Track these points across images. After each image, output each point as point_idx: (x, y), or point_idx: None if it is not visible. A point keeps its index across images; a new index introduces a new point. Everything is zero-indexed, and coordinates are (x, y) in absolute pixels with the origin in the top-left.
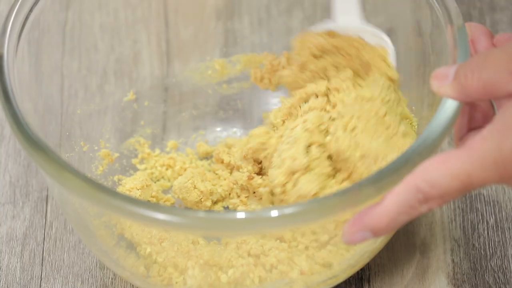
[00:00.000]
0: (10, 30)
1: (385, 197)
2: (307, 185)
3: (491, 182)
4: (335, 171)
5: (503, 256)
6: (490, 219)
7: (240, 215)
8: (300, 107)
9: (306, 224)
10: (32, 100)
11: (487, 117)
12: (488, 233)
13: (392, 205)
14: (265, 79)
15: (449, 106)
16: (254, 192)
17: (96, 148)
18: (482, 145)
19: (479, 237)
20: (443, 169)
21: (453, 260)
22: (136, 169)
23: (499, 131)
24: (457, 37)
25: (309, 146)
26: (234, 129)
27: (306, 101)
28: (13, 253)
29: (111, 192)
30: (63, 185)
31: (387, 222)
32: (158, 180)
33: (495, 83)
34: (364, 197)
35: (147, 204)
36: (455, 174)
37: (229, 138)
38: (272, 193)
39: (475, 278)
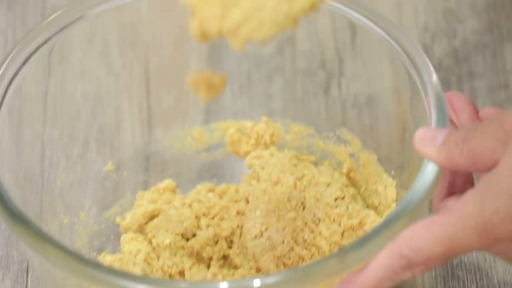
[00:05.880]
0: None
1: (369, 263)
2: None
3: (473, 247)
4: None
5: None
6: (471, 286)
7: (223, 285)
8: None
9: None
10: (12, 171)
11: (467, 183)
12: None
13: (375, 271)
14: (241, 150)
15: (430, 171)
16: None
17: (76, 220)
18: (464, 209)
19: None
20: (426, 235)
21: None
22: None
23: (481, 195)
24: (435, 103)
25: None
26: None
27: None
28: None
29: (94, 264)
30: (47, 259)
31: None
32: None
33: (483, 152)
34: (347, 264)
35: (130, 276)
36: (438, 240)
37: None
38: None
39: None
